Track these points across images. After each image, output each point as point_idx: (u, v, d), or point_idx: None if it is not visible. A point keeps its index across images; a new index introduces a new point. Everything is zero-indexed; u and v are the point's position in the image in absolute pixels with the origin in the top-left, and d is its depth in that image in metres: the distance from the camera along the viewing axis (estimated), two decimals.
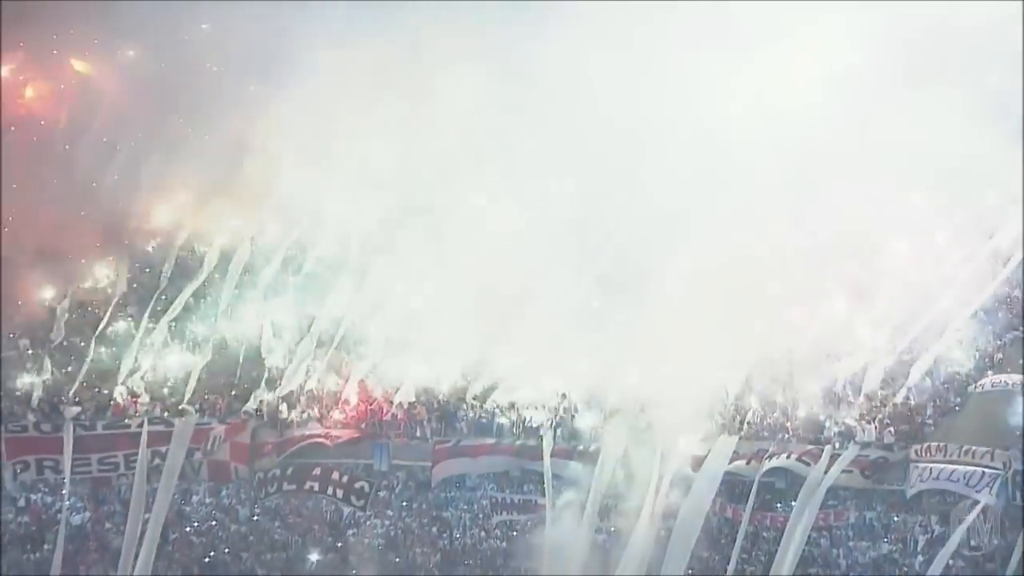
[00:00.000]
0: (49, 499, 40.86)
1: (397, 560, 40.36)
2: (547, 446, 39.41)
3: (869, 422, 38.15)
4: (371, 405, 40.82)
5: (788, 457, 38.10)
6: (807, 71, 38.49)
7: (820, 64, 38.41)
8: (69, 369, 41.77)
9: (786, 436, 38.65)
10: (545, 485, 39.25)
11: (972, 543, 37.56)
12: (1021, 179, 37.40)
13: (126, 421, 40.57)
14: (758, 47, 38.85)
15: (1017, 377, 36.91)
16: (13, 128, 42.35)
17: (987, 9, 37.82)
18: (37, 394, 40.83)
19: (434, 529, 40.78)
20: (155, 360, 41.96)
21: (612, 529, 38.91)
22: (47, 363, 41.90)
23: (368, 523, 40.87)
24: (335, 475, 40.32)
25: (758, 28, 38.88)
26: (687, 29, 39.14)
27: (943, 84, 37.29)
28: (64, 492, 40.28)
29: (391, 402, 40.81)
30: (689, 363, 38.12)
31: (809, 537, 37.64)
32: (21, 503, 40.93)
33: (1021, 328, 37.64)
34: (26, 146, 41.96)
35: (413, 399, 40.78)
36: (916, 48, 37.49)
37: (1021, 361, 37.71)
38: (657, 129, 39.25)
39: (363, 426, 40.69)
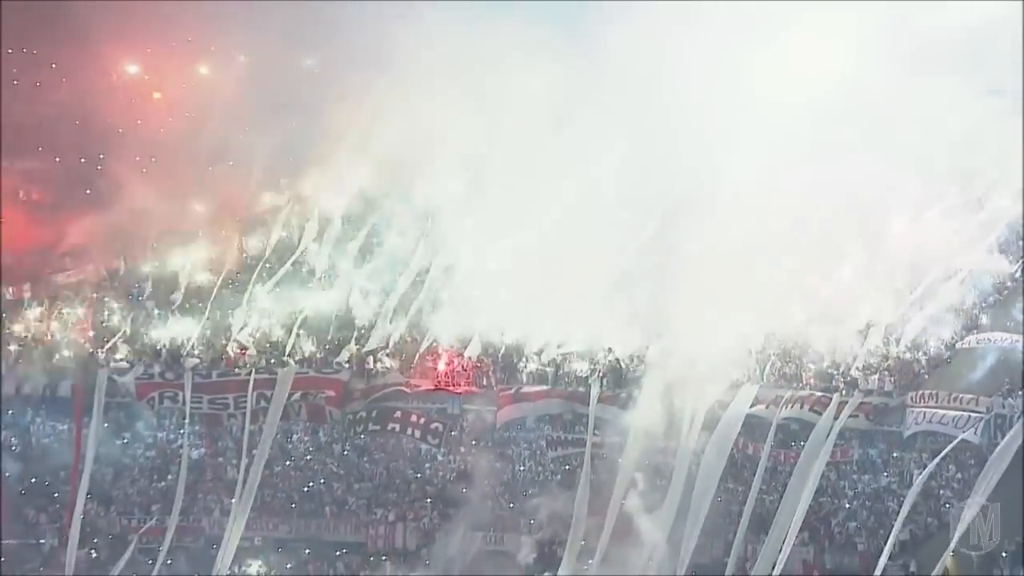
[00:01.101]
0: (171, 436, 46.25)
1: (465, 490, 45.04)
2: (594, 393, 43.95)
3: (872, 373, 42.63)
4: (446, 357, 45.53)
5: (802, 407, 42.23)
6: (826, 55, 41.89)
7: (837, 50, 41.86)
8: (189, 326, 46.92)
9: (800, 385, 43.05)
10: (590, 426, 43.81)
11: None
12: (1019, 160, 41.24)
13: (236, 371, 45.30)
14: (782, 33, 42.43)
15: (998, 335, 41.48)
16: (140, 121, 48.60)
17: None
18: (163, 347, 46.16)
19: (498, 464, 45.43)
20: (261, 319, 47.08)
21: (648, 462, 43.05)
22: (171, 321, 47.20)
23: (442, 459, 45.82)
24: (413, 418, 44.99)
25: (782, 15, 42.36)
26: (720, 15, 42.86)
27: (947, 67, 41.02)
28: (183, 431, 45.27)
29: (462, 355, 45.56)
30: (717, 322, 42.44)
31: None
32: (149, 440, 46.53)
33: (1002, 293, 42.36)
34: (152, 138, 47.97)
35: (480, 353, 45.57)
36: (923, 35, 41.33)
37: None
38: (693, 110, 42.72)
39: (438, 376, 45.46)
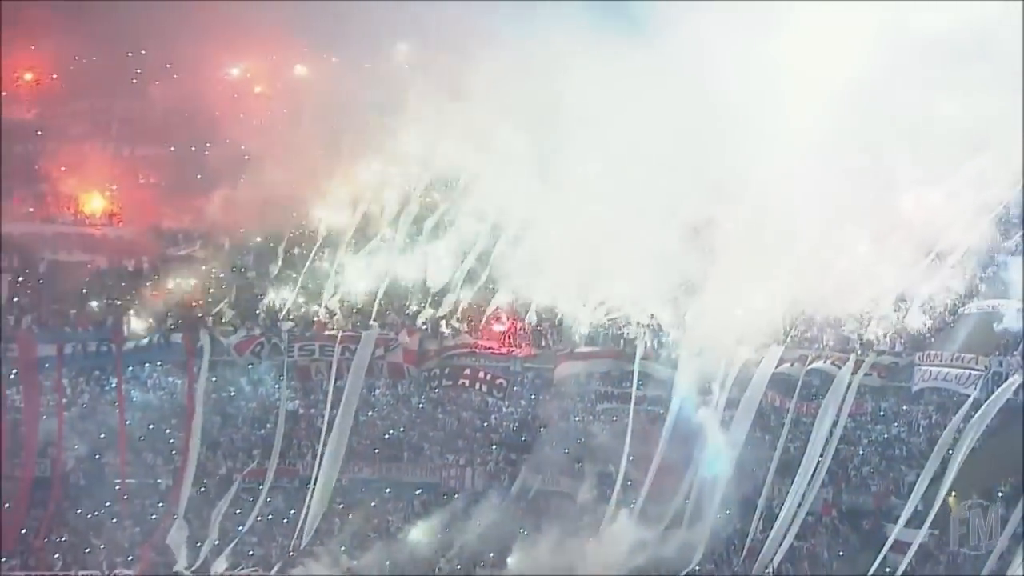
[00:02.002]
0: (270, 391, 51.00)
1: (525, 438, 49.85)
2: (639, 353, 48.37)
3: (884, 335, 46.62)
4: (509, 321, 50.14)
5: (823, 362, 46.21)
6: (843, 51, 45.20)
7: (853, 46, 45.18)
8: (285, 294, 51.69)
9: (821, 346, 46.86)
10: (635, 381, 48.23)
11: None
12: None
13: (325, 332, 50.27)
14: (807, 33, 45.73)
15: (995, 302, 45.29)
16: (242, 115, 53.60)
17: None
18: (262, 312, 51.08)
19: (554, 415, 49.66)
20: (348, 287, 51.61)
21: (686, 414, 47.15)
22: (269, 289, 51.93)
23: (506, 410, 50.42)
24: (481, 374, 49.60)
25: (808, 15, 45.82)
26: (755, 15, 46.46)
27: (955, 60, 44.37)
28: (280, 386, 50.49)
29: (523, 320, 50.18)
30: (748, 291, 46.78)
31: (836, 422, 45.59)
32: (251, 394, 51.24)
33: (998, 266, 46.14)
34: (253, 128, 52.89)
35: (539, 317, 50.10)
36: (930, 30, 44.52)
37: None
38: (730, 102, 46.31)
39: (502, 338, 50.11)
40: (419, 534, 48.60)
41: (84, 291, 52.26)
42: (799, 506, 45.56)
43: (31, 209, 54.06)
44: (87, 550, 48.23)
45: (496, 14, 48.92)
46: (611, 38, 47.47)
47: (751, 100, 46.52)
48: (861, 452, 47.03)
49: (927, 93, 45.22)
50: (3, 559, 47.44)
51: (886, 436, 47.18)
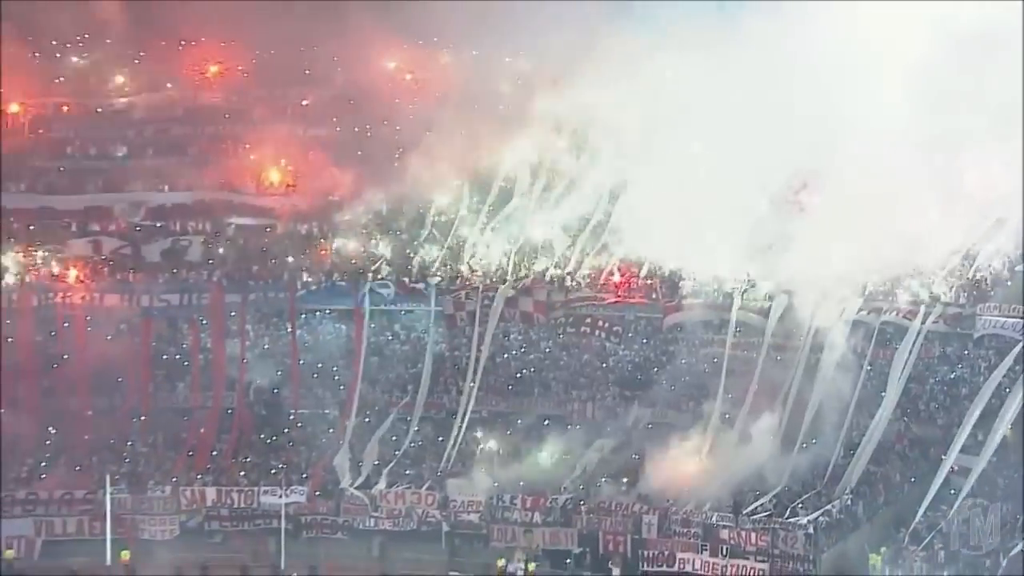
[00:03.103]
0: (420, 335, 57.31)
1: (640, 377, 55.63)
2: (736, 304, 53.73)
3: (951, 288, 51.29)
4: (624, 277, 55.85)
5: (896, 314, 51.19)
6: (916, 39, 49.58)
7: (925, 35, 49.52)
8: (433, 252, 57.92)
9: (895, 298, 51.65)
10: (731, 329, 53.51)
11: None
12: None
13: (468, 286, 56.21)
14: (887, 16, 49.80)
15: None
16: (397, 100, 60.06)
17: None
18: (414, 268, 57.07)
19: (663, 357, 55.72)
20: (486, 248, 57.63)
21: (779, 358, 52.55)
22: (419, 249, 58.19)
23: (621, 353, 56.25)
24: (600, 322, 55.47)
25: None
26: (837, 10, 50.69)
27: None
28: (429, 332, 56.71)
29: (637, 275, 55.77)
30: (832, 249, 51.00)
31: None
32: (404, 337, 57.73)
33: None
34: (405, 112, 59.78)
35: (650, 273, 55.66)
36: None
37: None
38: (816, 79, 50.39)
39: (619, 291, 55.85)
40: (546, 458, 53.97)
41: (264, 250, 58.86)
42: (875, 436, 50.20)
43: (220, 181, 60.98)
44: (270, 470, 53.84)
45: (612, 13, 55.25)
46: (713, 33, 52.44)
47: (835, 81, 50.90)
48: (929, 390, 51.95)
49: (988, 75, 49.13)
50: (198, 476, 53.61)
51: (951, 376, 52.05)
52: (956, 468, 48.86)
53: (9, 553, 50.80)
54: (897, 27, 49.99)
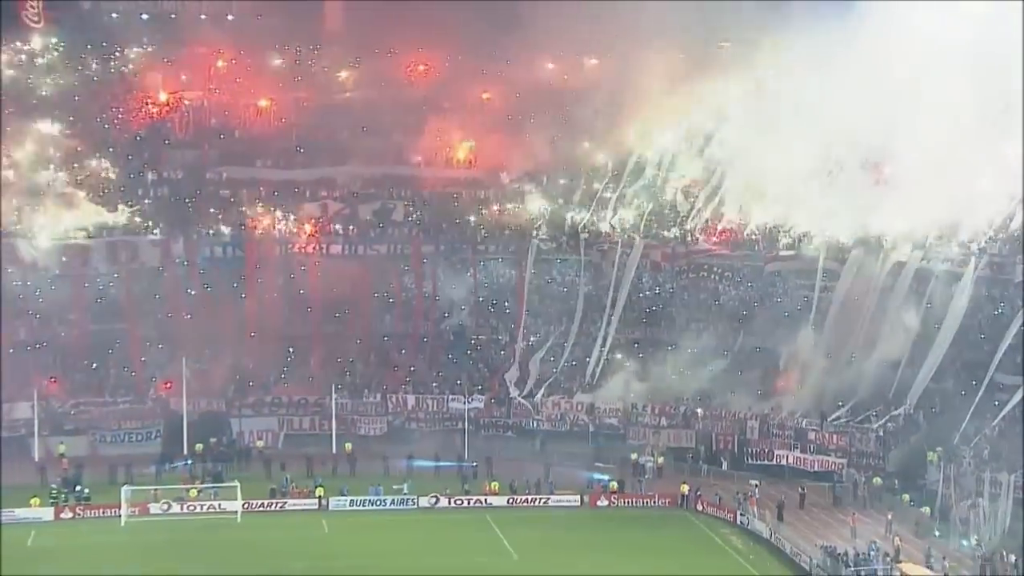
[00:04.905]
0: (571, 279, 68.45)
1: (745, 312, 66.45)
2: (821, 256, 64.59)
3: (994, 241, 60.87)
4: (733, 230, 67.25)
5: (952, 263, 60.89)
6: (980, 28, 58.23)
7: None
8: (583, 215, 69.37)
9: (951, 250, 61.25)
10: (819, 275, 64.35)
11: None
12: None
13: (609, 240, 68.24)
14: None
15: None
16: (553, 95, 72.00)
17: None
18: (567, 226, 69.00)
19: (764, 297, 66.75)
20: (625, 210, 68.85)
21: (856, 298, 62.69)
22: (572, 211, 69.86)
23: (732, 293, 67.11)
24: (715, 269, 66.88)
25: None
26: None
27: None
28: (579, 277, 67.67)
29: (743, 231, 67.23)
30: (897, 211, 61.47)
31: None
32: (560, 281, 69.19)
33: None
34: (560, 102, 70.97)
35: (755, 229, 66.84)
36: None
37: None
38: (898, 71, 59.73)
39: (729, 242, 67.45)
40: (671, 375, 64.81)
41: (451, 211, 71.32)
42: (933, 360, 59.98)
43: (419, 158, 73.31)
44: (456, 382, 65.76)
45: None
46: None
47: (913, 73, 60.64)
48: (977, 323, 61.38)
49: None
50: (402, 386, 65.53)
51: (996, 312, 61.44)
52: (1002, 386, 58.33)
53: (259, 443, 64.01)
54: (960, 26, 58.77)
